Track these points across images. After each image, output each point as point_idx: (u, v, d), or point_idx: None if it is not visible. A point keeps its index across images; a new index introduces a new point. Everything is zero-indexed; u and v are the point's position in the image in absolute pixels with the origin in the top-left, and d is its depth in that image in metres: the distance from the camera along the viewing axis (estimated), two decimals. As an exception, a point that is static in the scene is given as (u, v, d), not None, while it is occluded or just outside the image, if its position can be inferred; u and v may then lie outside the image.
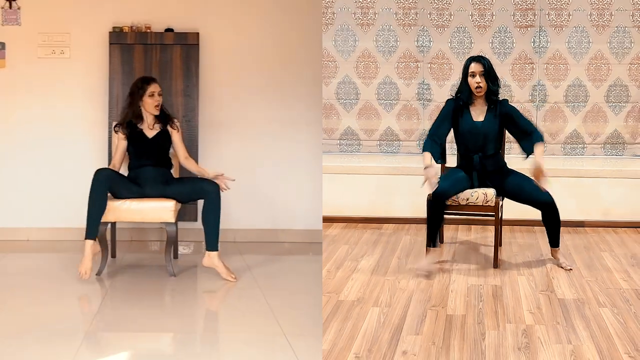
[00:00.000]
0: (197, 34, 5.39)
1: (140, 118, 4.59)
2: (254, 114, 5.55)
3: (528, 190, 4.42)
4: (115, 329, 3.61)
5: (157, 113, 4.60)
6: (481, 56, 4.56)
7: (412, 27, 6.25)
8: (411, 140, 6.39)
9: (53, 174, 5.44)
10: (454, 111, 4.55)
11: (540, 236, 5.34)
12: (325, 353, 3.24)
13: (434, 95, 6.31)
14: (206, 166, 5.35)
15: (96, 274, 4.36)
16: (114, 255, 4.79)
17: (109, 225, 4.45)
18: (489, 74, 4.45)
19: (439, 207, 4.36)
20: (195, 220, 5.33)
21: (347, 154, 6.42)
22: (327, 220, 5.71)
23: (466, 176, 4.54)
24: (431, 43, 6.25)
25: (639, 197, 5.69)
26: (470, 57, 4.59)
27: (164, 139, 4.64)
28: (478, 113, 4.56)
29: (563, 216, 5.45)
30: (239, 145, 5.57)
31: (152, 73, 5.25)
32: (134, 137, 4.59)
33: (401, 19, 6.26)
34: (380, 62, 6.32)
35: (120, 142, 4.59)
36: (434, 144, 4.50)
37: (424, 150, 4.52)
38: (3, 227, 5.38)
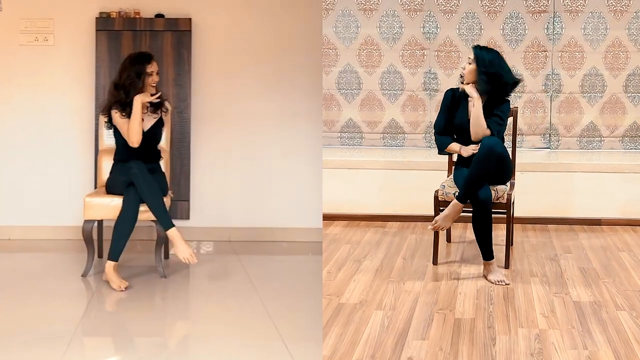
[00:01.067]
0: (189, 19, 5.38)
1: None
2: (249, 105, 5.55)
3: None
4: (103, 333, 3.62)
5: (154, 98, 4.43)
6: (479, 46, 4.53)
7: (417, 13, 6.25)
8: (417, 133, 6.39)
9: (36, 169, 5.42)
10: (451, 103, 4.57)
11: (555, 235, 5.35)
12: (326, 359, 3.23)
13: (441, 85, 6.30)
14: (199, 162, 5.53)
15: (82, 275, 4.37)
16: (100, 256, 4.78)
17: (95, 224, 4.44)
18: (482, 66, 4.37)
19: (488, 213, 4.32)
20: (188, 218, 5.37)
21: (348, 147, 6.42)
22: (328, 218, 5.71)
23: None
24: (438, 29, 6.25)
25: None
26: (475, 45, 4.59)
27: (159, 130, 4.56)
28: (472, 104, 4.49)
29: (578, 213, 5.51)
30: (234, 138, 5.57)
31: None
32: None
33: (406, 3, 6.26)
34: (384, 50, 6.31)
35: (123, 121, 4.38)
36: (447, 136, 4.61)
37: (446, 143, 4.59)
38: None
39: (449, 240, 5.13)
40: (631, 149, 6.21)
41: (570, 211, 5.66)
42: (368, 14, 6.30)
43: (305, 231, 5.54)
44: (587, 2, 6.10)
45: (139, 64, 4.39)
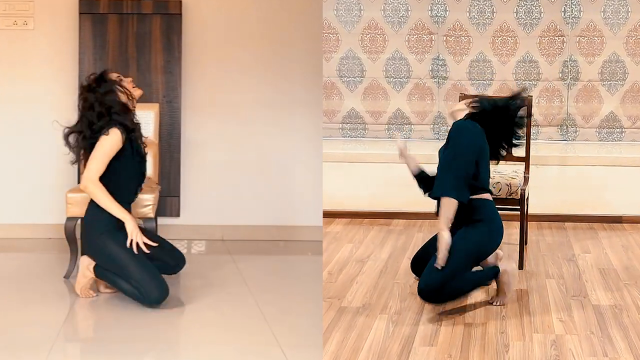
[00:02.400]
0: (180, 2, 5.35)
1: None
2: (244, 94, 5.52)
3: None
4: (86, 339, 3.62)
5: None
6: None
7: None
8: (424, 124, 6.39)
9: (15, 163, 5.41)
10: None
11: (572, 233, 5.36)
12: (326, 367, 3.25)
13: (450, 72, 6.31)
14: (190, 155, 5.50)
15: (64, 277, 4.35)
16: (83, 253, 4.64)
17: (79, 221, 4.33)
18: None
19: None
20: (178, 215, 5.37)
21: (350, 139, 6.43)
22: (328, 215, 5.70)
23: None
24: (447, 12, 6.26)
25: None
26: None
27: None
28: None
29: (598, 210, 5.54)
30: (227, 129, 5.54)
31: (128, 46, 5.27)
32: (132, 151, 3.99)
33: None
34: (389, 35, 6.32)
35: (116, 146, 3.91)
36: None
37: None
38: None
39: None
40: None
41: (589, 208, 5.67)
42: None
43: (304, 229, 5.52)
44: None
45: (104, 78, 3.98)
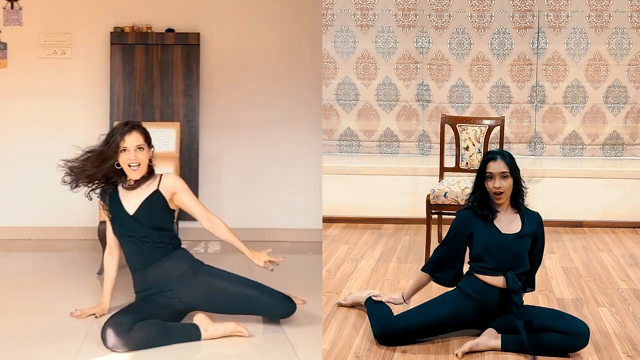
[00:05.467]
0: (198, 34, 5.42)
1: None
2: (254, 114, 5.55)
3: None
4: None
5: (136, 176, 3.32)
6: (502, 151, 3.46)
7: (411, 29, 6.23)
8: (410, 141, 6.38)
9: (54, 173, 5.30)
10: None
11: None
12: (326, 352, 3.23)
13: (433, 96, 6.30)
14: (207, 166, 5.46)
15: (97, 273, 4.34)
16: None
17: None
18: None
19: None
20: (195, 219, 5.27)
21: (346, 154, 6.41)
22: (327, 220, 5.70)
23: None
24: (430, 44, 6.24)
25: (637, 197, 5.70)
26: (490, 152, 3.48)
27: (156, 207, 3.39)
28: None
29: (562, 216, 5.53)
30: (239, 144, 5.55)
31: (153, 73, 5.34)
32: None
33: (400, 20, 6.25)
34: (380, 63, 6.31)
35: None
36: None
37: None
38: (6, 225, 5.38)
39: (440, 241, 5.12)
40: (611, 156, 6.20)
41: (554, 214, 5.63)
42: (365, 29, 6.29)
43: (307, 232, 5.47)
44: (569, 18, 6.10)
45: (117, 135, 3.33)
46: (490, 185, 3.31)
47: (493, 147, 4.89)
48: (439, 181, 4.92)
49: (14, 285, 4.16)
